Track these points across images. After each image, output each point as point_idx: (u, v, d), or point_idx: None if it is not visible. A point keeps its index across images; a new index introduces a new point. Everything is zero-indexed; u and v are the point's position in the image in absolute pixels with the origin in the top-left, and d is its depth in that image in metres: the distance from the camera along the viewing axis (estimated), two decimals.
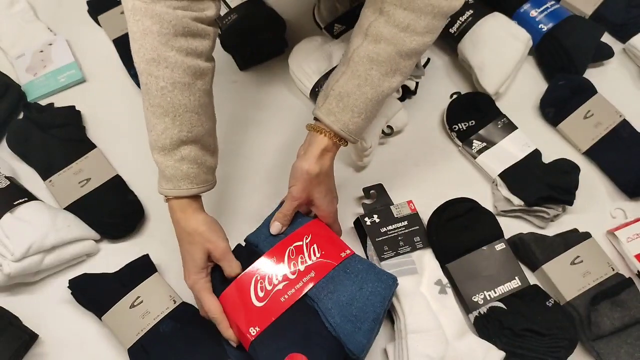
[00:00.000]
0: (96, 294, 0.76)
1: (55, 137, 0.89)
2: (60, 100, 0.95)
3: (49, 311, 0.78)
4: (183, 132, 0.66)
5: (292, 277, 0.71)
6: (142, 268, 0.78)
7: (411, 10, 0.67)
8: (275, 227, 0.75)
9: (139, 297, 0.75)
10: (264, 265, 0.71)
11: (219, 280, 0.72)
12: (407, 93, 0.98)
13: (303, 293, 0.70)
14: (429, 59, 1.01)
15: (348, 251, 0.74)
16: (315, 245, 0.73)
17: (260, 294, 0.69)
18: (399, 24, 0.68)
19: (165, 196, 0.70)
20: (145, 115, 0.68)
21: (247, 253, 0.74)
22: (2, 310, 0.75)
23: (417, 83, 0.97)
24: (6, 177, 0.83)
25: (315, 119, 0.74)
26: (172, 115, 0.66)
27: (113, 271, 0.78)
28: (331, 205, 0.77)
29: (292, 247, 0.73)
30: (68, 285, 0.77)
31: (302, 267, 0.71)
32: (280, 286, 0.70)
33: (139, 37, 0.63)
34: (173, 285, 0.79)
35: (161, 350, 0.72)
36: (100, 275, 0.78)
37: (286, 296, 0.69)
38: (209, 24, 0.69)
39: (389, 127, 0.91)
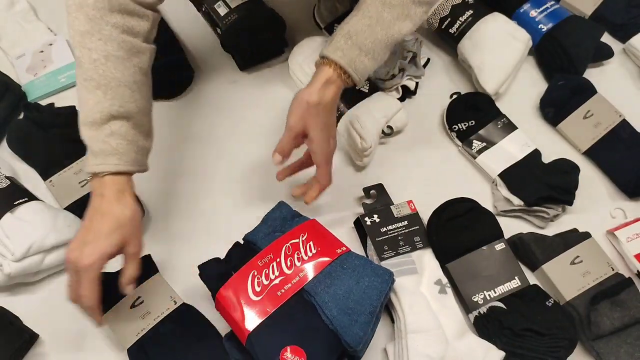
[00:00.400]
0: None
1: (56, 137, 0.89)
2: (61, 101, 0.95)
3: (49, 311, 0.78)
4: (114, 107, 0.64)
5: (289, 272, 0.71)
6: (144, 268, 0.78)
7: None
8: (275, 158, 0.74)
9: (139, 297, 0.75)
10: (261, 261, 0.72)
11: (216, 276, 0.72)
12: (407, 93, 0.98)
13: (300, 287, 0.71)
14: (428, 59, 1.01)
15: (344, 248, 0.75)
16: (311, 243, 0.74)
17: (257, 289, 0.70)
18: None
19: (92, 174, 0.66)
20: (77, 92, 0.66)
21: (245, 250, 0.75)
22: (2, 310, 0.75)
23: (417, 83, 0.97)
24: (6, 177, 0.83)
25: (323, 57, 0.72)
26: (104, 88, 0.64)
27: (114, 271, 0.78)
28: (325, 143, 0.73)
29: (288, 244, 0.74)
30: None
31: (298, 263, 0.72)
32: (277, 281, 0.71)
33: (74, 10, 0.63)
34: (174, 286, 0.79)
35: (160, 351, 0.72)
36: (101, 275, 0.78)
37: (283, 290, 0.70)
38: (148, 7, 0.68)
39: (389, 127, 0.91)
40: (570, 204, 0.86)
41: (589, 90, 0.97)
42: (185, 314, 0.76)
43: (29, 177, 0.88)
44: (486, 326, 0.76)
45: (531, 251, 0.82)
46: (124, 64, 0.65)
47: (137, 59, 0.66)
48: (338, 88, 0.72)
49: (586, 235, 0.84)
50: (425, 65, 0.99)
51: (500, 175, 0.89)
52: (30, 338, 0.74)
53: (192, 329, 0.74)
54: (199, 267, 0.74)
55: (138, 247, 0.67)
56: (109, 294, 0.75)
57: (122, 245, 0.65)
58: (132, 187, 0.68)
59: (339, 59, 0.70)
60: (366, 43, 0.70)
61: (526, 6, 1.03)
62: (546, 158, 0.91)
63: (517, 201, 0.86)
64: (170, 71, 0.95)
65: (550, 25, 1.00)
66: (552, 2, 1.03)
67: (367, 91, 0.92)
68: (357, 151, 0.89)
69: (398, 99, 0.96)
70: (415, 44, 0.95)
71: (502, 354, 0.73)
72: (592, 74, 1.01)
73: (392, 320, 0.78)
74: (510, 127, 0.93)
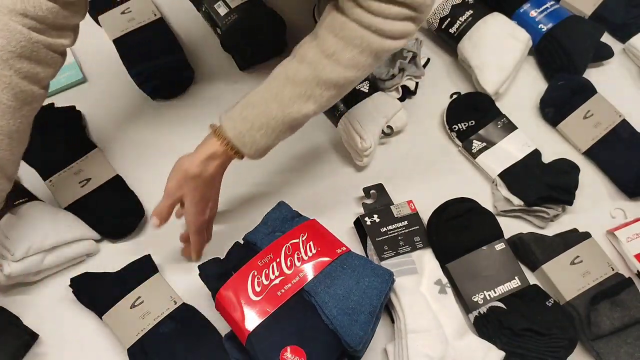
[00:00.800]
0: (97, 293, 0.76)
1: (56, 137, 0.89)
2: (61, 101, 0.95)
3: (49, 311, 0.78)
4: None
5: (289, 272, 0.71)
6: (144, 268, 0.78)
7: (340, 38, 0.65)
8: (153, 222, 0.73)
9: (139, 297, 0.75)
10: (261, 261, 0.72)
11: (216, 276, 0.72)
12: (407, 93, 0.98)
13: (300, 287, 0.71)
14: (428, 59, 1.01)
15: (344, 248, 0.75)
16: (311, 243, 0.74)
17: (257, 289, 0.70)
18: (325, 50, 0.66)
19: None
20: None
21: (245, 250, 0.75)
22: (2, 310, 0.75)
23: (417, 83, 0.97)
24: None
25: (214, 126, 0.72)
26: None
27: (114, 271, 0.78)
28: (198, 215, 0.73)
29: (288, 244, 0.74)
30: (69, 284, 0.77)
31: (298, 263, 0.72)
32: (277, 281, 0.71)
33: None
34: (174, 286, 0.79)
35: (160, 351, 0.72)
36: (101, 275, 0.78)
37: (283, 290, 0.70)
38: (60, 53, 0.68)
39: (389, 127, 0.91)
40: (570, 204, 0.86)
41: (589, 90, 0.97)
42: (185, 314, 0.76)
43: (29, 177, 0.88)
44: (486, 326, 0.76)
45: (531, 251, 0.82)
46: (13, 114, 0.64)
47: (29, 108, 0.66)
48: (222, 162, 0.71)
49: (586, 235, 0.84)
50: (425, 65, 0.99)
51: (500, 175, 0.89)
52: (30, 338, 0.74)
53: (191, 329, 0.74)
54: (199, 267, 0.74)
55: None
56: (110, 294, 0.75)
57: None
58: None
59: (229, 130, 0.68)
60: (259, 118, 0.67)
61: (526, 6, 1.03)
62: (546, 158, 0.91)
63: (517, 201, 0.86)
64: (170, 71, 0.95)
65: (550, 25, 1.00)
66: (552, 2, 1.03)
67: (367, 91, 0.92)
68: (357, 151, 0.89)
69: (398, 99, 0.96)
70: (415, 44, 0.95)
71: (502, 354, 0.73)
72: (592, 74, 1.01)
73: (392, 320, 0.78)
74: (510, 127, 0.93)
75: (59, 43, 0.66)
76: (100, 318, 0.75)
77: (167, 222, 0.74)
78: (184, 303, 0.76)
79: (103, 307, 0.75)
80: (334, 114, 0.92)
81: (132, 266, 0.78)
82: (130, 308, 0.74)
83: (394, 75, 0.94)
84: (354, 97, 0.91)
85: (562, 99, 0.96)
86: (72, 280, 0.77)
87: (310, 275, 0.72)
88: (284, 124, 0.68)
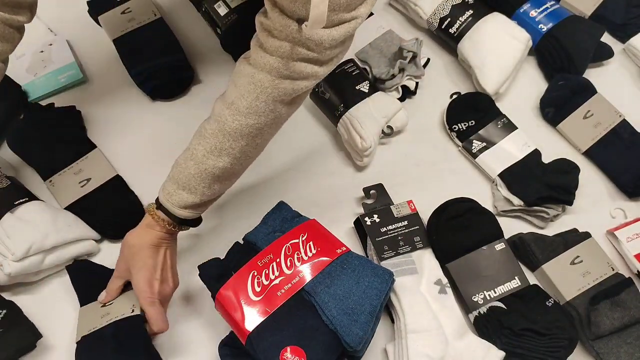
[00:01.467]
0: (89, 283, 0.77)
1: (56, 137, 0.89)
2: (61, 101, 0.95)
3: (49, 311, 0.78)
4: None
5: (289, 272, 0.71)
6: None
7: (237, 86, 0.65)
8: (100, 298, 0.74)
9: (112, 302, 0.74)
10: (261, 261, 0.72)
11: (215, 276, 0.72)
12: (407, 93, 0.98)
13: (300, 287, 0.71)
14: (428, 59, 1.01)
15: (344, 248, 0.75)
16: (311, 243, 0.74)
17: (257, 289, 0.70)
18: (226, 101, 0.66)
19: None
20: None
21: (245, 251, 0.75)
22: (11, 305, 0.75)
23: (417, 83, 0.97)
24: (7, 177, 0.83)
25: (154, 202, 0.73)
26: None
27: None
28: (145, 285, 0.70)
29: (288, 245, 0.74)
30: (71, 264, 0.78)
31: (298, 263, 0.72)
32: (277, 281, 0.71)
33: None
34: None
35: (93, 354, 0.70)
36: (102, 268, 0.79)
37: (283, 290, 0.70)
38: (17, 28, 0.68)
39: (389, 127, 0.91)
40: (570, 204, 0.86)
41: (589, 90, 0.97)
42: (132, 324, 0.72)
43: (29, 177, 0.88)
44: (486, 326, 0.76)
45: (531, 251, 0.82)
46: None
47: None
48: (160, 231, 0.71)
49: (586, 235, 0.84)
50: (425, 65, 0.99)
51: (500, 175, 0.89)
52: (34, 338, 0.74)
53: (131, 340, 0.71)
54: (199, 267, 0.74)
55: None
56: (97, 289, 0.75)
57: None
58: None
59: (160, 194, 0.71)
60: (181, 177, 0.68)
61: (526, 6, 1.03)
62: (546, 158, 0.91)
63: (517, 201, 0.86)
64: (170, 71, 0.95)
65: (550, 25, 1.00)
66: (552, 2, 1.03)
67: (367, 91, 0.92)
68: (357, 151, 0.89)
69: (398, 99, 0.96)
70: (415, 44, 0.95)
71: (502, 354, 0.73)
72: (592, 74, 1.01)
73: (392, 320, 0.78)
74: (510, 127, 0.93)
75: (15, 19, 0.67)
76: (80, 306, 0.76)
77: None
78: (139, 315, 0.72)
79: (86, 299, 0.76)
80: (334, 113, 0.92)
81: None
82: (101, 307, 0.74)
83: (394, 75, 0.94)
84: (354, 97, 0.91)
85: (562, 99, 0.96)
86: (74, 262, 0.79)
87: (310, 275, 0.72)
88: (204, 179, 0.68)
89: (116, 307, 0.74)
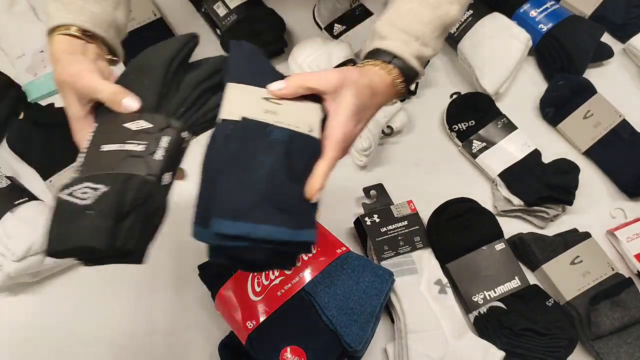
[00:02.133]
0: (252, 62, 0.61)
1: (56, 137, 0.89)
2: (61, 101, 0.95)
3: (49, 311, 0.78)
4: None
5: (289, 272, 0.71)
6: None
7: None
8: (272, 85, 0.54)
9: None
10: None
11: (216, 276, 0.72)
12: (407, 93, 0.97)
13: (300, 287, 0.71)
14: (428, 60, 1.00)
15: (344, 248, 0.75)
16: None
17: (257, 289, 0.70)
18: None
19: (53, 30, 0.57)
20: None
21: None
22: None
23: (417, 83, 0.97)
24: (7, 177, 0.83)
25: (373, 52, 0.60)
26: None
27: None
28: (348, 123, 0.54)
29: None
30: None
31: (298, 263, 0.72)
32: (277, 281, 0.71)
33: None
34: (174, 286, 0.78)
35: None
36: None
37: (283, 290, 0.70)
38: None
39: (389, 127, 0.91)
40: (570, 204, 0.86)
41: (589, 90, 0.97)
42: (307, 147, 0.54)
43: (29, 177, 0.88)
44: (486, 326, 0.76)
45: (531, 251, 0.82)
46: None
47: None
48: (390, 88, 0.60)
49: (586, 235, 0.84)
50: (425, 66, 0.99)
51: (500, 175, 0.89)
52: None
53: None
54: (199, 267, 0.75)
55: (105, 91, 0.53)
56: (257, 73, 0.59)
57: (85, 101, 0.55)
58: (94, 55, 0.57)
59: (389, 47, 0.59)
60: (412, 26, 0.60)
61: (526, 6, 1.03)
62: (546, 158, 0.91)
63: (517, 201, 0.86)
64: None
65: (550, 25, 1.00)
66: (552, 2, 1.03)
67: None
68: (357, 151, 0.88)
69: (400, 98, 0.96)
70: None
71: (502, 354, 0.73)
72: (592, 74, 1.01)
73: (392, 320, 0.78)
74: (510, 127, 0.93)
75: None
76: None
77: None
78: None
79: None
80: None
81: None
82: None
83: None
84: None
85: (562, 99, 0.96)
86: None
87: (310, 275, 0.72)
88: (435, 29, 0.62)
89: (287, 113, 0.54)
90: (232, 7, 0.99)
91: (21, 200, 0.80)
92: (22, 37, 1.00)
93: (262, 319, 0.68)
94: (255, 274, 0.71)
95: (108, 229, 0.46)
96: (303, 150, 0.51)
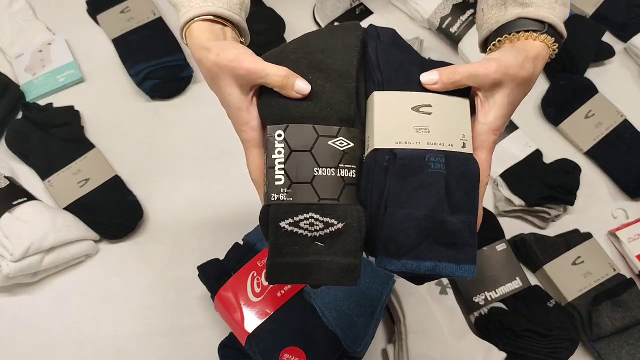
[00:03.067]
0: None
1: (54, 137, 0.88)
2: (59, 100, 0.95)
3: (47, 312, 0.78)
4: None
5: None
6: None
7: None
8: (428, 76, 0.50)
9: None
10: (260, 262, 0.72)
11: (215, 277, 0.72)
12: None
13: (300, 288, 0.70)
14: None
15: None
16: None
17: (257, 290, 0.70)
18: None
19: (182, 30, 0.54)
20: None
21: (245, 251, 0.75)
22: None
23: None
24: (5, 177, 0.83)
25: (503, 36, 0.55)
26: None
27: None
28: (500, 128, 0.53)
29: None
30: None
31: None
32: None
33: None
34: (173, 286, 0.78)
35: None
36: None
37: (282, 291, 0.70)
38: None
39: None
40: (572, 204, 0.86)
41: (590, 90, 0.97)
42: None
43: (27, 177, 0.87)
44: (487, 327, 0.76)
45: (532, 251, 0.82)
46: None
47: None
48: (544, 60, 0.55)
49: (587, 236, 0.83)
50: None
51: (501, 175, 0.89)
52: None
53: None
54: (199, 267, 0.74)
55: (246, 65, 0.49)
56: None
57: (237, 82, 0.50)
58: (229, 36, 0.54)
59: (544, 15, 0.54)
60: None
61: None
62: (547, 158, 0.91)
63: (518, 201, 0.86)
64: (170, 71, 0.95)
65: None
66: None
67: None
68: None
69: None
70: (415, 43, 0.94)
71: (503, 354, 0.72)
72: (593, 74, 1.00)
73: (392, 321, 0.77)
74: (511, 127, 0.93)
75: None
76: None
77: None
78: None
79: None
80: None
81: None
82: None
83: None
84: None
85: (563, 98, 0.96)
86: None
87: None
88: None
89: (438, 124, 0.50)
90: None
91: (20, 200, 0.79)
92: (20, 36, 1.00)
93: (261, 320, 0.68)
94: (255, 274, 0.71)
95: (358, 266, 0.47)
96: (461, 179, 0.49)
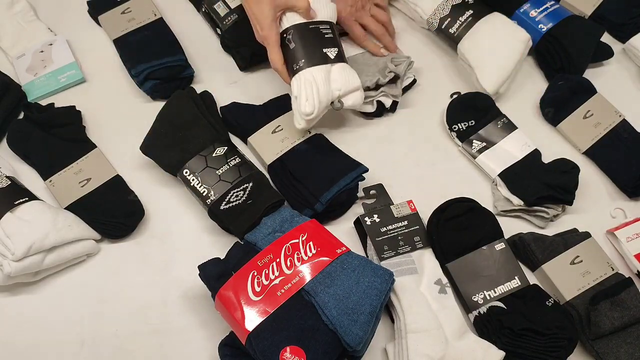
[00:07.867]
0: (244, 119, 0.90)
1: (56, 137, 0.89)
2: (61, 100, 0.95)
3: (49, 311, 0.78)
4: None
5: (289, 272, 0.71)
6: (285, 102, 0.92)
7: None
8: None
9: (279, 125, 0.90)
10: (261, 261, 0.72)
11: (216, 276, 0.72)
12: (383, 109, 0.95)
13: (300, 287, 0.71)
14: (415, 80, 0.99)
15: (344, 248, 0.75)
16: (311, 243, 0.74)
17: (257, 289, 0.70)
18: None
19: None
20: None
21: (245, 251, 0.75)
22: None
23: (396, 103, 0.95)
24: (7, 177, 0.83)
25: None
26: None
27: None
28: None
29: (288, 245, 0.74)
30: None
31: (298, 263, 0.72)
32: (276, 281, 0.71)
33: None
34: (173, 286, 0.78)
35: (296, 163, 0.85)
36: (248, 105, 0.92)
37: (283, 290, 0.70)
38: None
39: (340, 102, 0.87)
40: (570, 203, 0.86)
41: (589, 90, 0.97)
42: (317, 140, 0.89)
43: (29, 177, 0.88)
44: (486, 326, 0.76)
45: (531, 251, 0.82)
46: None
47: None
48: None
49: (586, 235, 0.84)
50: (411, 85, 0.98)
51: (500, 175, 0.89)
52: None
53: (321, 149, 0.88)
54: (199, 267, 0.75)
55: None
56: (253, 121, 0.91)
57: (278, 7, 0.82)
58: None
59: None
60: None
61: (526, 6, 1.02)
62: (546, 158, 0.91)
63: (517, 201, 0.86)
64: (171, 71, 0.95)
65: (550, 25, 1.00)
66: (552, 2, 1.03)
67: (332, 57, 0.86)
68: (300, 114, 0.84)
69: (373, 113, 0.94)
70: (403, 64, 0.93)
71: (502, 353, 0.73)
72: (591, 74, 1.01)
73: (392, 320, 0.78)
74: (510, 127, 0.93)
75: None
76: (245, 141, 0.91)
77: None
78: (317, 134, 0.90)
79: (247, 133, 0.90)
80: (293, 66, 0.85)
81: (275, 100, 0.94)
82: (271, 133, 0.89)
83: (369, 87, 0.91)
84: (317, 58, 0.85)
85: (562, 98, 0.96)
86: (221, 108, 0.92)
87: (310, 275, 0.72)
88: None
89: (290, 130, 0.88)
90: (232, 7, 0.99)
91: (21, 200, 0.80)
92: (22, 37, 1.00)
93: (262, 319, 0.68)
94: (255, 273, 0.71)
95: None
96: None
